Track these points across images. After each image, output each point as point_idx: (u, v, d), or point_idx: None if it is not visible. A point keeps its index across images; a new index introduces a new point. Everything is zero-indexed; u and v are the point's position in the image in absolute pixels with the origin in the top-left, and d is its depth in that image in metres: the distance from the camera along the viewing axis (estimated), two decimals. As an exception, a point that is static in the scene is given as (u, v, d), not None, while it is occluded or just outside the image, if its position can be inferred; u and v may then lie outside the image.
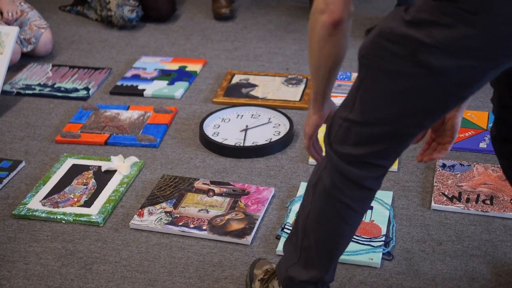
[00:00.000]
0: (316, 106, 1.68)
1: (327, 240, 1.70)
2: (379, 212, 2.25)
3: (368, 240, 2.12)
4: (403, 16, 1.42)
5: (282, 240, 2.14)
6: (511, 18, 1.33)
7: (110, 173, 2.49)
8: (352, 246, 2.06)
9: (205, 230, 2.20)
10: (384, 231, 2.16)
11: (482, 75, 1.43)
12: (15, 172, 2.53)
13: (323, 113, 1.70)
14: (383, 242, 2.12)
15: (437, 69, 1.40)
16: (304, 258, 1.73)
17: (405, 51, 1.42)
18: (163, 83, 3.13)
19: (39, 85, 3.14)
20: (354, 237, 2.06)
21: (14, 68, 3.30)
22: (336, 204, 1.63)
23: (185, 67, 3.29)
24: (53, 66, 3.33)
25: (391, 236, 2.15)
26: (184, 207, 2.30)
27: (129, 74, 3.23)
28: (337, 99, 2.91)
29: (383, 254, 2.08)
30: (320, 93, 1.65)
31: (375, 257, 2.06)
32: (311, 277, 1.73)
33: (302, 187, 2.37)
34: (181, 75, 3.21)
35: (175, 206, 2.31)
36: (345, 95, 2.97)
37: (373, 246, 2.10)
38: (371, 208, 2.26)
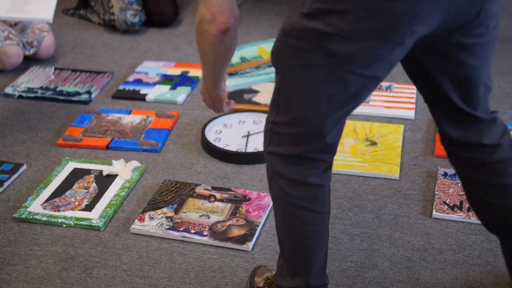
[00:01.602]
0: (214, 86, 1.76)
1: (298, 246, 1.71)
2: None
3: None
4: (300, 10, 1.44)
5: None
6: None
7: (112, 177, 2.49)
8: None
9: (206, 235, 2.19)
10: None
11: (389, 54, 1.45)
12: (16, 175, 2.53)
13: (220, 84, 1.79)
14: None
15: (344, 56, 1.42)
16: (288, 267, 1.74)
17: (311, 44, 1.43)
18: (165, 88, 3.13)
19: (41, 88, 3.14)
20: None
21: (16, 71, 3.31)
22: (291, 209, 1.64)
23: (188, 72, 3.29)
24: (55, 69, 3.33)
25: None
26: (185, 212, 2.30)
27: (131, 78, 3.23)
28: (339, 106, 2.92)
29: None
30: (218, 79, 1.73)
31: None
32: (296, 284, 1.74)
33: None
34: (184, 80, 3.21)
35: (176, 211, 2.31)
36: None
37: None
38: None
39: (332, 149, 1.62)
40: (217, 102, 1.82)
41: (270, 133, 1.62)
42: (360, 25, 1.39)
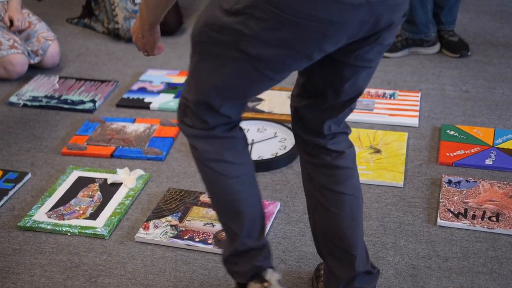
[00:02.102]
0: (150, 27, 1.83)
1: (225, 203, 1.78)
2: None
3: None
4: (222, 5, 1.53)
5: (288, 255, 2.12)
6: (311, 14, 1.45)
7: (116, 185, 2.49)
8: None
9: (210, 244, 2.19)
10: None
11: (295, 64, 1.57)
12: (21, 183, 2.54)
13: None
14: None
15: (256, 56, 1.53)
16: (226, 233, 1.82)
17: (229, 40, 1.54)
18: (169, 96, 3.14)
19: (45, 97, 3.15)
20: None
21: (21, 79, 3.32)
22: (210, 164, 1.73)
23: (192, 80, 3.29)
24: (60, 78, 3.34)
25: None
26: (190, 220, 2.30)
27: (135, 87, 3.24)
28: (343, 114, 2.92)
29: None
30: (156, 22, 1.81)
31: None
32: (234, 248, 1.80)
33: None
34: (188, 88, 3.21)
35: (181, 219, 2.31)
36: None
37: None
38: None
39: (233, 125, 1.74)
40: (149, 45, 1.87)
41: (184, 106, 1.72)
42: (275, 34, 1.49)
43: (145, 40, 1.84)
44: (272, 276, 1.81)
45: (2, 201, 2.44)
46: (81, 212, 2.37)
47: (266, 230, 2.13)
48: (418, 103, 3.00)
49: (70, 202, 2.42)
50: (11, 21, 3.31)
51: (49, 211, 2.37)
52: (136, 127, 2.88)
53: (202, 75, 1.64)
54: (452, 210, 2.32)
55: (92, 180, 2.53)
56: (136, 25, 1.83)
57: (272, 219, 2.31)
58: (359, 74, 1.67)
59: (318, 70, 1.69)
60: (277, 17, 1.47)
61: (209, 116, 1.68)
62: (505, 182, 2.46)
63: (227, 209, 1.79)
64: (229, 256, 1.82)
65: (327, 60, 1.64)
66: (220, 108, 1.66)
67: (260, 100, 3.07)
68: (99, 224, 2.30)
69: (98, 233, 2.26)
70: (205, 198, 2.41)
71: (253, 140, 2.76)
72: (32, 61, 3.34)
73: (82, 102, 3.10)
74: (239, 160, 1.75)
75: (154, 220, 2.30)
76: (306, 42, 1.50)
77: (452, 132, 2.76)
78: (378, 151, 2.66)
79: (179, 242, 2.21)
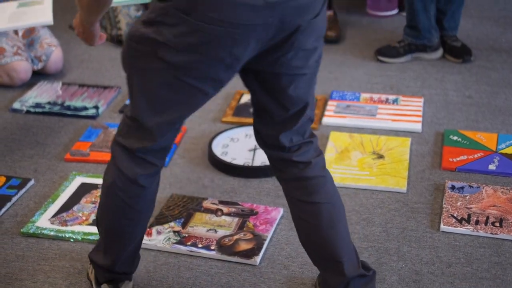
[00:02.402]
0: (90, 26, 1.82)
1: (112, 231, 1.88)
2: None
3: None
4: (142, 18, 1.58)
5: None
6: (214, 17, 1.49)
7: (119, 192, 2.49)
8: None
9: (213, 250, 2.19)
10: None
11: (212, 70, 1.58)
12: (24, 190, 2.54)
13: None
14: None
15: (173, 64, 1.56)
16: (103, 245, 1.92)
17: (148, 49, 1.57)
18: (172, 102, 3.14)
19: (48, 103, 3.15)
20: None
21: (24, 86, 3.32)
22: (114, 198, 1.80)
23: (194, 86, 3.29)
24: (63, 84, 3.34)
25: None
26: (193, 226, 2.30)
27: (138, 93, 3.24)
28: (345, 120, 2.92)
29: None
30: (95, 22, 1.79)
31: None
32: (104, 263, 1.92)
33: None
34: (190, 94, 3.21)
35: (184, 225, 2.31)
36: (354, 116, 2.99)
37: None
38: None
39: (163, 154, 1.78)
40: (89, 38, 1.89)
41: (122, 123, 1.77)
42: (185, 40, 1.53)
43: (85, 35, 1.86)
44: (127, 286, 1.98)
45: (5, 208, 2.44)
46: (84, 218, 2.37)
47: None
48: (421, 108, 3.00)
49: (73, 208, 2.42)
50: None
51: (52, 217, 2.37)
52: (139, 133, 2.88)
53: (135, 91, 1.67)
54: (455, 215, 2.31)
55: (95, 186, 2.53)
56: (77, 20, 1.84)
57: (275, 225, 2.30)
58: (296, 83, 1.68)
59: (256, 87, 1.72)
60: (186, 23, 1.50)
61: (140, 137, 1.72)
62: (508, 188, 2.45)
63: (112, 235, 1.89)
64: (93, 259, 1.95)
65: (259, 75, 1.67)
66: (149, 129, 1.69)
67: (263, 106, 3.07)
68: (102, 230, 2.30)
69: (101, 239, 2.26)
70: (207, 204, 2.41)
71: (255, 146, 2.76)
72: (35, 67, 3.35)
73: (85, 108, 3.11)
74: (142, 208, 1.83)
75: (157, 226, 2.30)
76: (215, 47, 1.53)
77: (455, 138, 2.76)
78: (381, 156, 2.66)
79: (182, 248, 2.21)
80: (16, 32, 3.35)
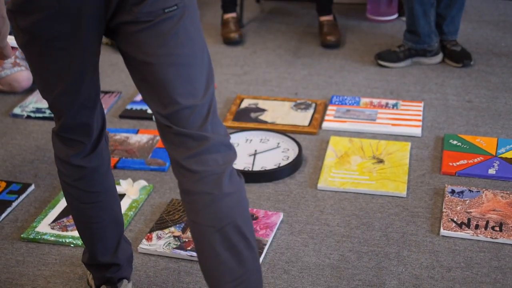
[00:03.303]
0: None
1: (78, 221, 1.88)
2: None
3: None
4: None
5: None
6: None
7: (119, 196, 2.49)
8: None
9: (213, 254, 2.19)
10: None
11: (53, 24, 1.49)
12: (24, 195, 2.54)
13: None
14: None
15: (28, 32, 1.52)
16: (83, 241, 1.92)
17: (13, 24, 1.53)
18: (172, 107, 3.14)
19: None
20: None
21: (24, 91, 3.33)
22: (63, 185, 1.81)
23: (195, 91, 3.30)
24: (63, 89, 3.34)
25: None
26: (193, 231, 2.30)
27: (138, 98, 3.25)
28: (345, 124, 2.92)
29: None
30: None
31: None
32: (86, 259, 1.94)
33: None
34: (191, 99, 3.22)
35: (184, 230, 2.31)
36: (354, 120, 2.99)
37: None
38: None
39: (85, 130, 1.72)
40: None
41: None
42: (18, 1, 1.48)
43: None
44: (125, 287, 1.95)
45: (6, 213, 2.45)
46: (84, 223, 2.37)
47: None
48: (421, 113, 3.00)
49: (73, 213, 2.42)
50: None
51: (52, 222, 2.37)
52: (139, 138, 2.89)
53: (32, 74, 1.65)
54: (455, 220, 2.31)
55: (95, 191, 2.53)
56: None
57: (275, 230, 2.31)
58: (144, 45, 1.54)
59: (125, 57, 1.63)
60: None
61: (54, 116, 1.71)
62: (508, 192, 2.45)
63: (80, 226, 1.90)
64: (84, 262, 1.97)
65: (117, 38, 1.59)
66: (52, 104, 1.67)
67: (263, 110, 3.08)
68: (102, 235, 2.30)
69: (101, 244, 2.26)
70: (208, 208, 2.41)
71: (255, 150, 2.76)
72: (35, 74, 3.35)
73: (86, 114, 3.11)
74: (93, 188, 1.81)
75: (157, 231, 2.30)
76: (42, 2, 1.46)
77: (455, 142, 2.76)
78: (381, 161, 2.66)
79: (182, 253, 2.21)
80: None
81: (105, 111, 3.11)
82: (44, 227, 2.35)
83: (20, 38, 1.57)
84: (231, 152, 1.59)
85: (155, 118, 1.60)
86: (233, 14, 3.94)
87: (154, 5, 1.48)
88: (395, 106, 3.06)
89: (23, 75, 3.27)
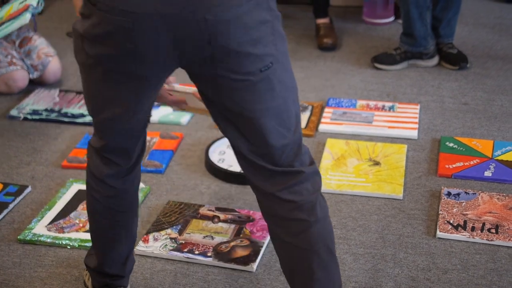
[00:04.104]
0: None
1: (95, 230, 1.90)
2: None
3: None
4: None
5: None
6: (113, 5, 1.43)
7: (116, 198, 2.50)
8: None
9: (210, 256, 2.20)
10: None
11: (126, 64, 1.50)
12: (21, 197, 2.54)
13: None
14: None
15: (92, 57, 1.53)
16: (93, 246, 1.93)
17: (78, 42, 1.56)
18: (169, 109, 3.14)
19: (46, 110, 3.16)
20: None
21: (21, 93, 3.32)
22: (89, 197, 1.83)
23: (191, 93, 3.30)
24: (60, 91, 3.35)
25: None
26: (189, 233, 2.31)
27: (135, 100, 3.24)
28: (342, 127, 2.93)
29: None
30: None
31: None
32: (94, 266, 1.94)
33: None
34: (187, 101, 3.22)
35: (180, 232, 2.31)
36: (351, 122, 2.99)
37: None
38: None
39: (125, 155, 1.75)
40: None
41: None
42: (94, 31, 1.49)
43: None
44: None
45: (2, 214, 2.44)
46: (81, 225, 2.37)
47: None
48: (417, 115, 3.01)
49: (70, 215, 2.42)
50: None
51: (49, 224, 2.37)
52: (136, 140, 2.88)
53: (84, 88, 1.67)
54: (451, 222, 2.32)
55: (92, 193, 2.53)
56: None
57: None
58: (240, 93, 1.55)
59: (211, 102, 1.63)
60: (95, 13, 1.47)
61: (96, 133, 1.74)
62: (504, 194, 2.46)
63: (96, 235, 1.91)
64: (87, 264, 1.97)
65: (202, 84, 1.60)
66: (96, 125, 1.70)
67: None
68: (99, 237, 2.30)
69: (97, 246, 2.26)
70: (204, 210, 2.42)
71: (252, 152, 2.76)
72: (31, 76, 3.35)
73: (82, 116, 3.11)
74: (119, 208, 1.84)
75: (153, 233, 2.31)
76: (118, 37, 1.46)
77: (451, 144, 2.77)
78: (377, 163, 2.67)
79: (179, 255, 2.21)
80: (11, 42, 3.35)
81: (102, 113, 3.12)
82: (40, 229, 2.35)
83: (81, 57, 1.58)
84: (318, 178, 1.66)
85: (238, 152, 1.62)
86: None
87: (251, 66, 1.50)
88: (391, 108, 3.07)
89: (19, 74, 3.27)
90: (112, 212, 1.84)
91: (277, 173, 1.61)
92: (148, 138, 2.90)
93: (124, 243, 1.92)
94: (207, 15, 1.42)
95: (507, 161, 2.66)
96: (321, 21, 3.83)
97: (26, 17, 2.77)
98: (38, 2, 2.89)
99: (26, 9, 2.82)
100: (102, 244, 1.91)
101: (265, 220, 1.70)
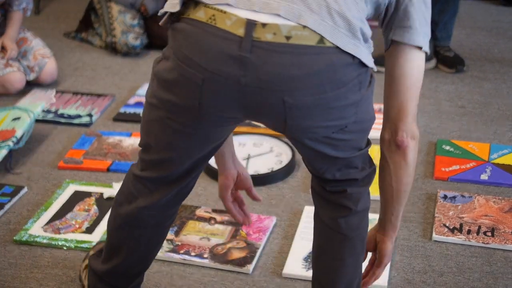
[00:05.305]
0: (220, 168, 1.81)
1: (114, 241, 1.82)
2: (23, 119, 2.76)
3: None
4: None
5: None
6: (188, 56, 1.39)
7: (112, 200, 2.49)
8: None
9: (206, 258, 2.20)
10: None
11: (190, 115, 1.47)
12: (17, 197, 2.54)
13: (228, 173, 1.83)
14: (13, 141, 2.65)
15: (157, 98, 1.50)
16: (105, 252, 1.85)
17: (152, 83, 1.53)
18: (166, 111, 3.14)
19: (42, 111, 3.16)
20: None
21: (18, 94, 3.32)
22: (113, 211, 1.78)
23: (188, 95, 3.30)
24: (56, 92, 3.34)
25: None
26: (186, 235, 2.31)
27: (132, 101, 3.25)
28: (339, 129, 2.93)
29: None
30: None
31: None
32: (102, 272, 1.85)
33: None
34: (184, 103, 3.22)
35: (177, 233, 2.31)
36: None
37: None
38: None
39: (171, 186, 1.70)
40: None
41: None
42: (166, 75, 1.45)
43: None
44: None
45: (-2, 215, 2.44)
46: (77, 226, 2.37)
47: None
48: (413, 118, 3.01)
49: (66, 216, 2.42)
50: (3, 48, 3.30)
51: (45, 225, 2.37)
52: (132, 141, 2.88)
53: (142, 122, 1.64)
54: (447, 225, 2.32)
55: (88, 194, 2.53)
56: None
57: (267, 234, 2.31)
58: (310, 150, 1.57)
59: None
60: (171, 57, 1.43)
61: (149, 168, 1.68)
62: (500, 197, 2.46)
63: (114, 245, 1.83)
64: (92, 266, 1.89)
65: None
66: (146, 164, 1.66)
67: (257, 114, 3.08)
68: (95, 238, 2.30)
69: (94, 247, 2.26)
70: (201, 212, 2.41)
71: (249, 155, 2.76)
72: (28, 78, 3.35)
73: (79, 116, 3.11)
74: (150, 240, 1.80)
75: (150, 234, 2.30)
76: (187, 88, 1.42)
77: (447, 147, 2.77)
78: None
79: (175, 256, 2.21)
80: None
81: (98, 114, 3.12)
82: (36, 229, 2.35)
83: (148, 93, 1.54)
84: (373, 175, 1.78)
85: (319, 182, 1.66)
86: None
87: (325, 132, 1.51)
88: (388, 111, 3.06)
89: (15, 76, 3.27)
90: (139, 239, 1.77)
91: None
92: (144, 139, 2.89)
93: (142, 263, 1.86)
94: (286, 97, 1.38)
95: (503, 164, 2.67)
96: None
97: (1, 154, 2.68)
98: (18, 140, 2.77)
99: (9, 138, 2.72)
100: (118, 257, 1.82)
101: (313, 198, 1.73)
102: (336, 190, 1.67)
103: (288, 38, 1.35)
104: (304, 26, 1.35)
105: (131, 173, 1.73)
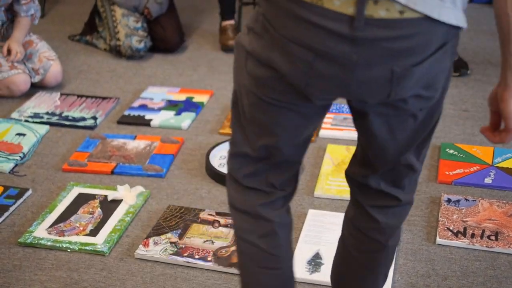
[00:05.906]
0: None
1: (246, 282, 1.64)
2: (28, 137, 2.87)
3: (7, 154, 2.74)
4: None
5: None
6: (295, 35, 1.30)
7: (116, 202, 2.50)
8: None
9: (210, 261, 2.20)
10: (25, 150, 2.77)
11: (288, 94, 1.38)
12: (21, 200, 2.54)
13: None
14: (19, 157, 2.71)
15: (254, 77, 1.39)
16: None
17: (240, 59, 1.42)
18: (170, 114, 3.15)
19: (47, 113, 3.16)
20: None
21: (22, 96, 3.33)
22: (240, 243, 1.59)
23: (192, 98, 3.31)
24: (61, 95, 3.35)
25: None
26: (189, 237, 2.31)
27: (136, 104, 3.25)
28: (342, 132, 2.93)
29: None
30: None
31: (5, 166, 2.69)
32: None
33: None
34: (188, 105, 3.23)
35: (181, 236, 2.31)
36: (351, 128, 2.99)
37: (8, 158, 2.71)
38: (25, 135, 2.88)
39: (281, 182, 1.57)
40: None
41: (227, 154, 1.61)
42: (267, 52, 1.35)
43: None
44: None
45: (3, 217, 2.45)
46: (81, 228, 2.37)
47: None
48: (417, 121, 3.01)
49: (71, 219, 2.42)
50: (9, 51, 3.31)
51: (50, 227, 2.37)
52: (136, 144, 2.89)
53: (234, 117, 1.53)
54: (451, 228, 2.32)
55: (92, 197, 2.54)
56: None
57: (271, 237, 2.31)
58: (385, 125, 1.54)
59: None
60: (270, 35, 1.33)
61: (245, 166, 1.56)
62: (504, 201, 2.46)
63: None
64: None
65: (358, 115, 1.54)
66: (253, 149, 1.52)
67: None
68: (99, 240, 2.30)
69: (98, 249, 2.26)
70: (204, 215, 2.42)
71: (253, 157, 2.76)
72: (33, 80, 3.35)
73: (83, 119, 3.12)
74: (278, 252, 1.58)
75: (154, 237, 2.31)
76: (293, 69, 1.34)
77: (451, 151, 2.78)
78: (377, 169, 2.66)
79: (179, 259, 2.21)
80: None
81: (103, 117, 3.13)
82: (41, 232, 2.35)
83: (241, 77, 1.44)
84: (409, 209, 1.67)
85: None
86: (231, 22, 3.95)
87: (416, 105, 1.48)
88: (392, 114, 3.07)
89: (20, 78, 3.28)
90: (274, 257, 1.58)
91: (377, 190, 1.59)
92: (148, 142, 2.90)
93: None
94: (394, 67, 1.33)
95: (507, 168, 2.67)
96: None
97: (9, 166, 2.67)
98: (25, 155, 2.75)
99: (16, 153, 2.73)
100: None
101: (343, 225, 1.67)
102: (373, 215, 1.60)
103: (401, 12, 1.30)
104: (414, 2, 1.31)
105: (237, 184, 1.58)
